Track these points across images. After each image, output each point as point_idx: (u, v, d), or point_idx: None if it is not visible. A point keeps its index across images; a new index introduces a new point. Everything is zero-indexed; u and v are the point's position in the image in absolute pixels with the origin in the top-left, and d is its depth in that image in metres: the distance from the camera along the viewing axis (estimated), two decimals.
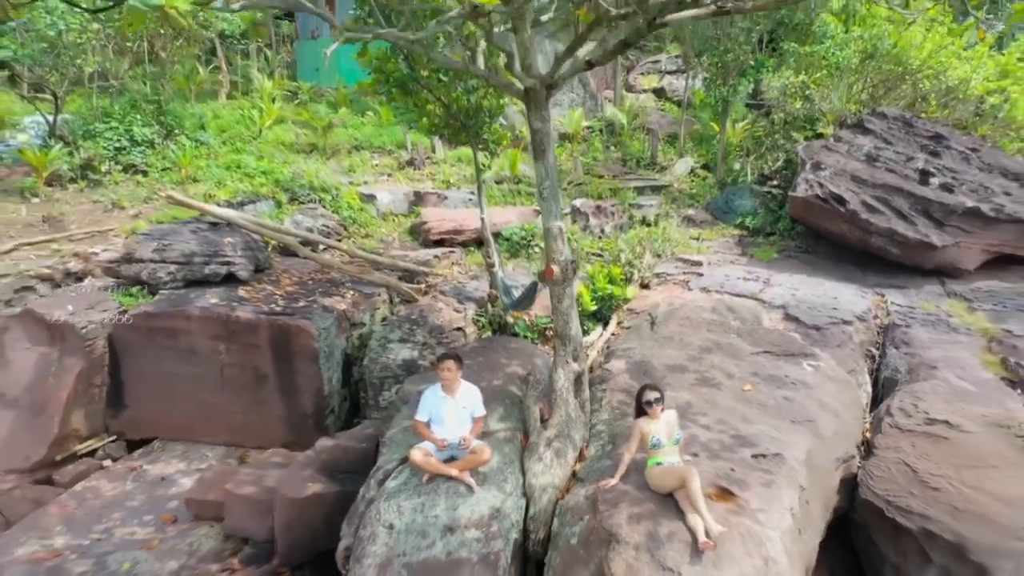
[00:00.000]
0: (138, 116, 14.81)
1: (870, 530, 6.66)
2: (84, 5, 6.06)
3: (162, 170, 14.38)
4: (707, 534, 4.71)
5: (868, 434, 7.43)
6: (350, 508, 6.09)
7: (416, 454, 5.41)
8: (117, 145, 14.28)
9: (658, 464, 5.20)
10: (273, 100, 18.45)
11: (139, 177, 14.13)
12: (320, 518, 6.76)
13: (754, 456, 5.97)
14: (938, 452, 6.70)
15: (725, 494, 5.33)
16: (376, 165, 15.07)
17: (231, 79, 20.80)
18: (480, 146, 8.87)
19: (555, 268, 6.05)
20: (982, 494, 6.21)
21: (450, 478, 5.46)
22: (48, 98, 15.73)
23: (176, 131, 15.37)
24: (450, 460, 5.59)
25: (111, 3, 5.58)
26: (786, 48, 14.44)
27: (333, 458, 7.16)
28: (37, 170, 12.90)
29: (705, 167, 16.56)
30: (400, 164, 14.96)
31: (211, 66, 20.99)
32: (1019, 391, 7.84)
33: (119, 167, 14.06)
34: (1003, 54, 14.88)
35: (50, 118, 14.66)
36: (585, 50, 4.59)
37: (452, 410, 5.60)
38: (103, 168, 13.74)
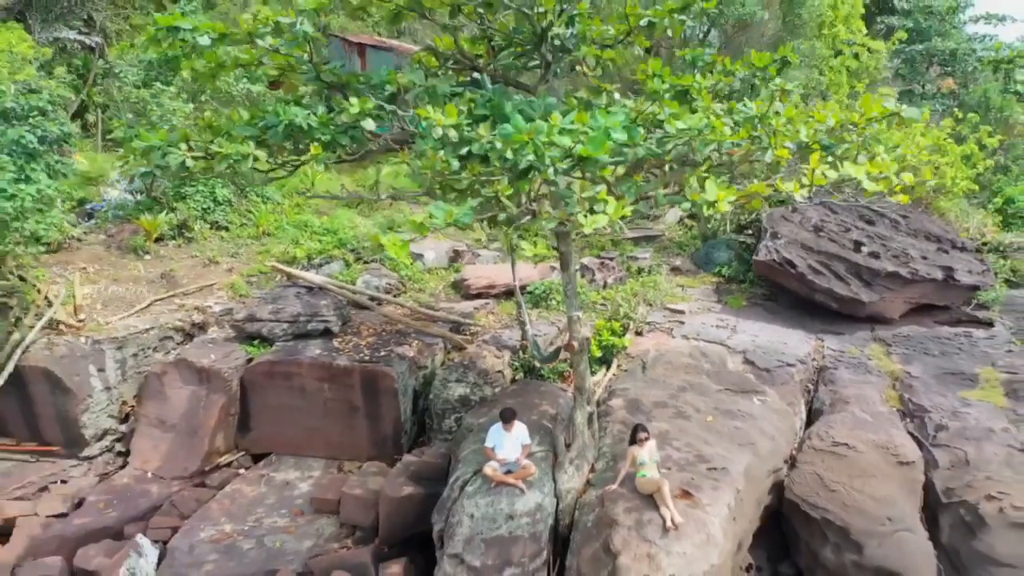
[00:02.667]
0: (218, 178, 17.82)
1: (791, 520, 9.67)
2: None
3: (240, 226, 17.39)
4: (672, 521, 7.73)
5: (795, 452, 10.44)
6: (437, 503, 9.10)
7: (488, 469, 8.43)
8: (204, 206, 17.26)
9: (643, 476, 8.20)
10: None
11: (223, 233, 17.13)
12: (411, 511, 9.76)
13: (708, 469, 8.98)
14: (838, 466, 9.71)
15: (686, 495, 8.34)
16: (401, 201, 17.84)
17: None
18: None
19: (575, 344, 9.08)
20: (863, 495, 9.22)
21: (509, 484, 8.47)
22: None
23: (247, 189, 18.36)
24: (508, 473, 8.59)
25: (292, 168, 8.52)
26: None
27: (418, 469, 10.18)
28: (148, 231, 15.90)
29: (692, 216, 19.55)
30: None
31: None
32: (906, 420, 10.87)
33: (207, 225, 17.05)
34: (938, 127, 17.91)
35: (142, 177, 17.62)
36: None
37: (509, 440, 8.62)
38: (195, 227, 16.74)
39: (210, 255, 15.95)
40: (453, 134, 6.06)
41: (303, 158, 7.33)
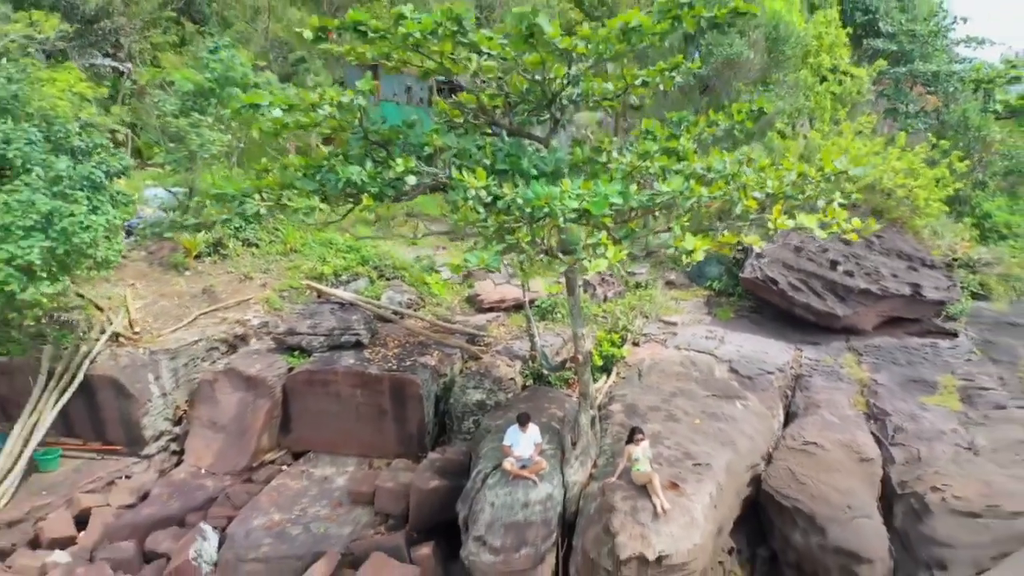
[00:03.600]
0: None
1: (767, 508, 11.16)
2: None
3: (269, 243, 18.88)
4: (662, 508, 9.21)
5: (772, 450, 11.92)
6: (462, 494, 10.57)
7: (507, 464, 9.91)
8: (236, 224, 18.76)
9: (637, 470, 9.67)
10: None
11: (254, 250, 18.62)
12: (437, 502, 11.25)
13: (694, 465, 10.45)
14: (807, 462, 11.20)
15: (674, 486, 9.80)
16: (430, 236, 19.47)
17: (295, 144, 25.27)
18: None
19: (580, 357, 10.57)
20: (828, 487, 10.70)
21: (524, 477, 9.94)
22: (158, 169, 20.12)
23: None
24: (523, 467, 10.07)
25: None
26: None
27: (442, 465, 11.68)
28: (188, 249, 17.40)
29: None
30: (450, 238, 19.45)
31: None
32: (870, 422, 12.35)
33: (239, 242, 18.54)
34: (912, 150, 19.38)
35: (175, 191, 19.12)
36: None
37: (524, 439, 10.10)
38: (229, 244, 18.23)
39: (244, 271, 17.45)
40: (483, 193, 7.55)
41: (357, 207, 8.82)
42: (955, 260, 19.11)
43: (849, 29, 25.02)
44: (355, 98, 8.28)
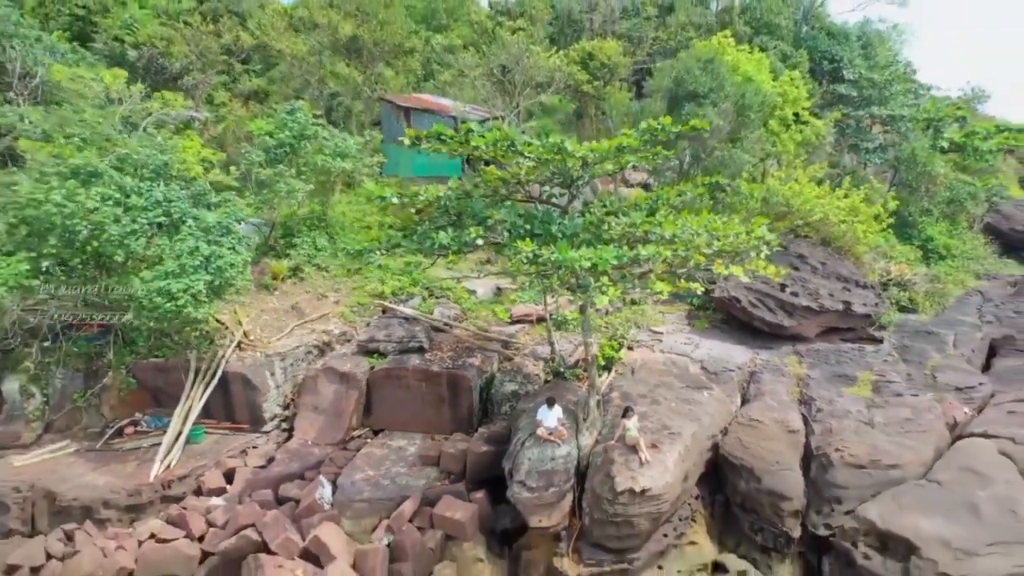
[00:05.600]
0: (316, 231, 23.90)
1: (723, 466, 15.60)
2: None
3: (336, 267, 23.39)
4: (645, 460, 13.70)
5: (728, 426, 16.38)
6: (506, 454, 15.04)
7: (540, 431, 14.39)
8: (310, 252, 23.32)
9: (629, 434, 14.14)
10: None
11: (324, 273, 23.15)
12: (486, 462, 15.73)
13: (669, 433, 14.92)
14: (751, 434, 15.65)
15: (654, 447, 14.27)
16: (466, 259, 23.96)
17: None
18: None
19: (588, 358, 15.09)
20: (764, 450, 15.16)
21: (551, 441, 14.41)
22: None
23: (337, 237, 24.41)
24: (550, 434, 14.52)
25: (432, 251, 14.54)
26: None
27: (489, 436, 16.19)
28: (276, 273, 21.90)
29: None
30: (480, 261, 23.96)
31: None
32: (801, 406, 16.82)
33: (313, 267, 23.06)
34: (857, 191, 23.87)
35: (256, 223, 23.61)
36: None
37: (551, 416, 14.57)
38: (306, 269, 22.75)
39: (320, 291, 21.99)
40: (530, 254, 12.06)
41: (444, 259, 13.36)
42: (889, 280, 23.64)
43: (811, 85, 29.57)
44: (446, 198, 12.81)
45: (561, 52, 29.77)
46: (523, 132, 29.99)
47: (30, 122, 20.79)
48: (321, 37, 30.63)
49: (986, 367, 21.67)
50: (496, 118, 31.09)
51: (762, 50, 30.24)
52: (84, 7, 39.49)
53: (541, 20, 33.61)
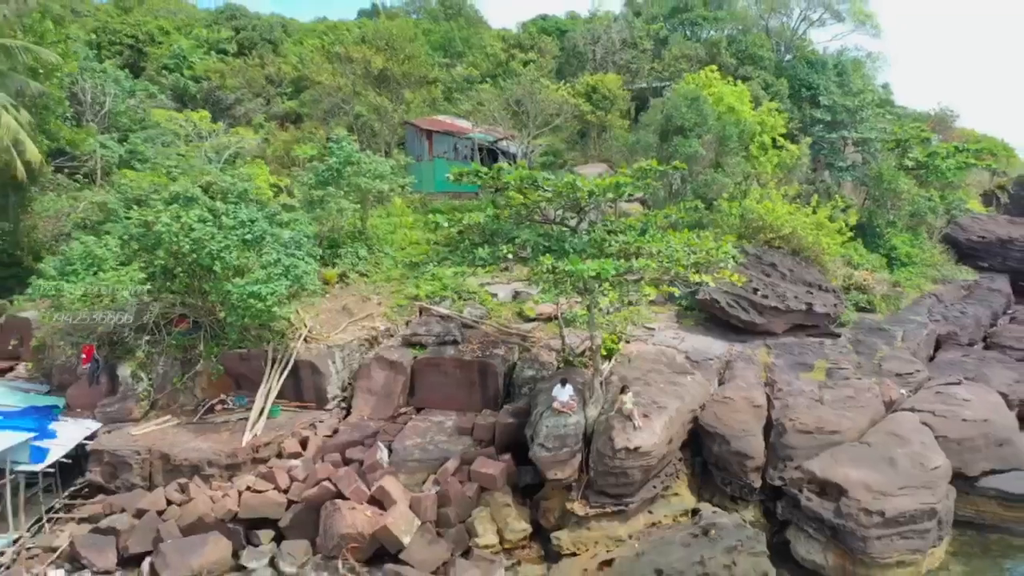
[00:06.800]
0: (357, 243, 27.83)
1: (701, 434, 19.48)
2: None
3: (376, 273, 27.28)
4: (638, 425, 17.58)
5: (706, 403, 20.22)
6: (527, 423, 18.91)
7: (555, 405, 18.26)
8: (352, 261, 27.24)
9: (626, 407, 18.00)
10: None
11: (366, 279, 27.05)
12: (510, 432, 19.60)
13: (657, 407, 18.76)
14: (724, 409, 19.52)
15: (645, 416, 18.13)
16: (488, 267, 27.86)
17: None
18: None
19: (593, 349, 18.99)
20: (734, 421, 19.02)
21: (564, 412, 18.27)
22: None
23: (374, 247, 28.33)
24: (563, 407, 18.38)
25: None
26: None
27: (513, 411, 20.07)
28: (326, 279, 25.79)
29: None
30: (499, 269, 27.84)
31: None
32: (766, 387, 20.67)
33: (356, 273, 26.97)
34: (823, 206, 27.75)
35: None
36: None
37: (564, 392, 18.41)
38: (351, 275, 26.66)
39: (364, 294, 25.90)
40: (550, 266, 15.94)
41: (483, 270, 17.27)
42: (851, 284, 27.52)
43: (791, 110, 33.49)
44: (484, 225, 16.74)
45: (568, 85, 33.76)
46: (533, 151, 34.08)
47: (112, 150, 24.85)
48: (355, 68, 34.58)
49: (933, 358, 25.64)
50: (508, 138, 35.04)
51: (745, 80, 34.19)
52: (134, 36, 43.78)
53: (549, 52, 37.60)
